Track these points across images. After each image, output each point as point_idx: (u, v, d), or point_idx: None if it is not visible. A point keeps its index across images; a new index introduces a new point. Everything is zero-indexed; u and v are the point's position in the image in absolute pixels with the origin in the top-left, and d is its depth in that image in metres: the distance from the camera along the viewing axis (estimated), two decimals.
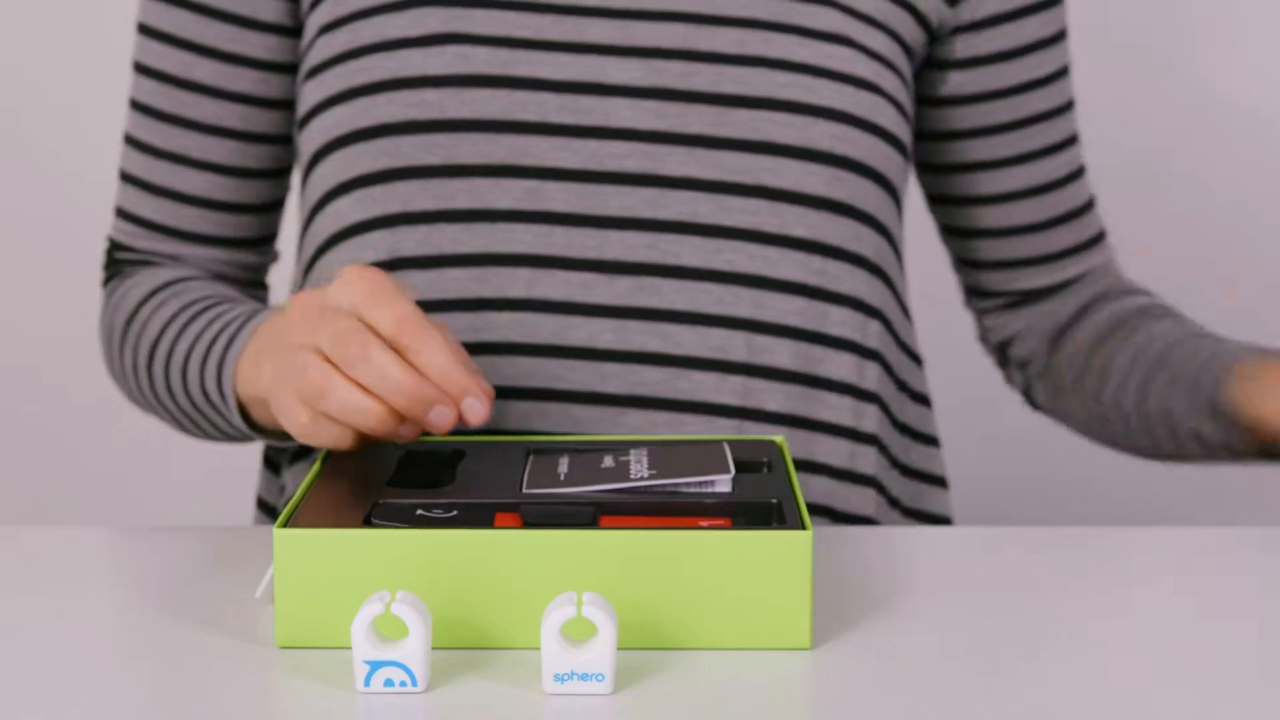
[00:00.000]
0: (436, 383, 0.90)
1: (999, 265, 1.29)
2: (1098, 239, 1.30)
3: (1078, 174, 1.28)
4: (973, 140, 1.25)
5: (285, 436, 1.09)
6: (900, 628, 0.86)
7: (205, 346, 1.10)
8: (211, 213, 1.21)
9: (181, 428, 1.18)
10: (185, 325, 1.13)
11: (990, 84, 1.23)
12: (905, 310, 1.21)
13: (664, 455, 0.94)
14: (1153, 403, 1.20)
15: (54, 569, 0.96)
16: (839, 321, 1.14)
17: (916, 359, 1.23)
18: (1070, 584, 0.95)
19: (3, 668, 0.81)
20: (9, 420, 1.89)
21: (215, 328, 1.10)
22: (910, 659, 0.82)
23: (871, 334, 1.15)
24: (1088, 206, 1.29)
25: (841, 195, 1.13)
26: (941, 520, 1.23)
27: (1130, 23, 1.74)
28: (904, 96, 1.18)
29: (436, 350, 0.90)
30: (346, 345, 0.90)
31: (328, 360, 0.91)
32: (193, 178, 1.20)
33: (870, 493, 1.15)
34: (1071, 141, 1.27)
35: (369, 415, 0.90)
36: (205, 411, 1.12)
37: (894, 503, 1.18)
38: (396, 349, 0.90)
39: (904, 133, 1.17)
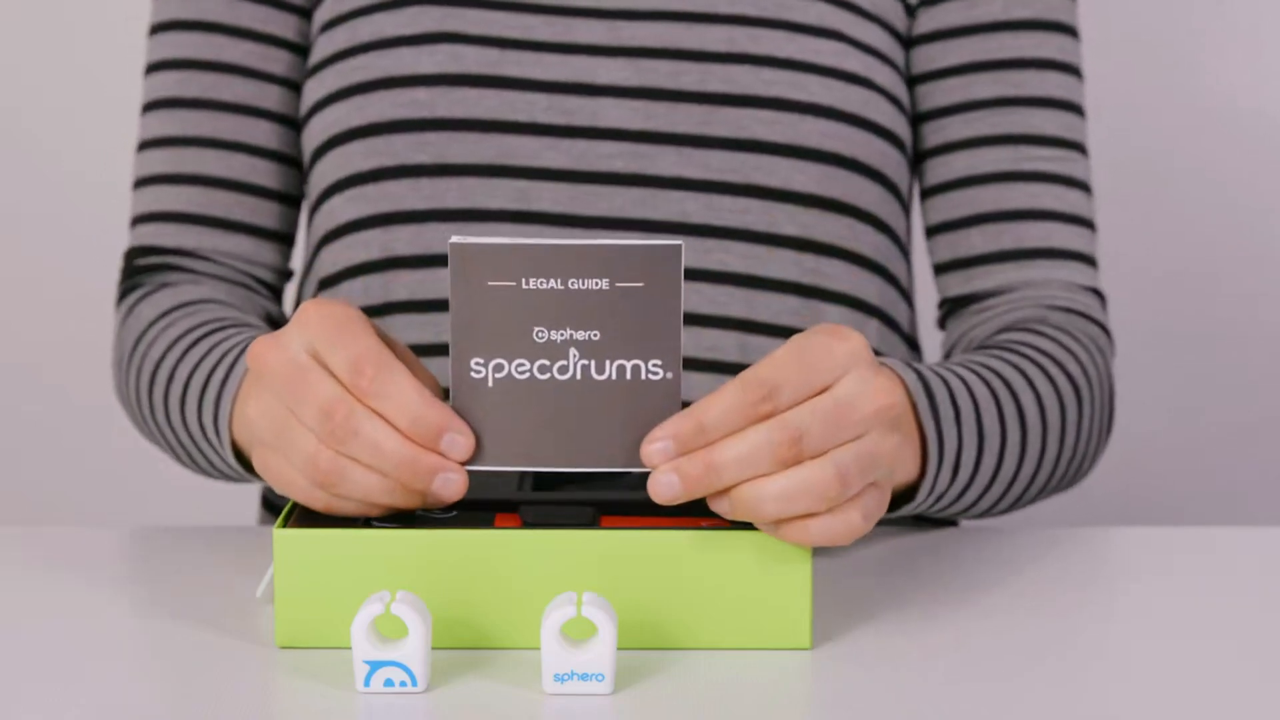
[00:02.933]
0: (409, 430, 0.82)
1: (936, 269, 1.21)
2: (1041, 254, 1.16)
3: (1026, 176, 1.16)
4: (917, 125, 1.19)
5: None
6: (900, 628, 0.86)
7: (204, 377, 1.04)
8: (243, 196, 1.18)
9: (180, 462, 1.13)
10: (188, 350, 1.08)
11: (929, 64, 1.17)
12: (911, 307, 1.21)
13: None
14: None
15: (54, 569, 0.96)
16: (834, 320, 1.13)
17: (921, 357, 1.22)
18: (1069, 584, 0.95)
19: (3, 667, 0.81)
20: (9, 420, 1.89)
21: (215, 356, 1.04)
22: (910, 659, 0.82)
23: (870, 332, 1.15)
24: (1035, 215, 1.16)
25: (834, 192, 1.13)
26: (945, 520, 1.23)
27: (1134, 21, 1.74)
28: (900, 90, 1.16)
29: (399, 391, 0.82)
30: (332, 419, 0.82)
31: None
32: (225, 160, 1.18)
33: None
34: (1024, 140, 1.16)
35: (390, 494, 0.83)
36: (202, 448, 1.06)
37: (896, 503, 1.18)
38: (357, 396, 0.82)
39: (900, 127, 1.16)
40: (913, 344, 1.20)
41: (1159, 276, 1.76)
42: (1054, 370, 1.09)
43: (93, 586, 0.94)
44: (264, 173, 1.19)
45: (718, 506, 0.81)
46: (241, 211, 1.19)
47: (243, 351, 1.02)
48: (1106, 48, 1.61)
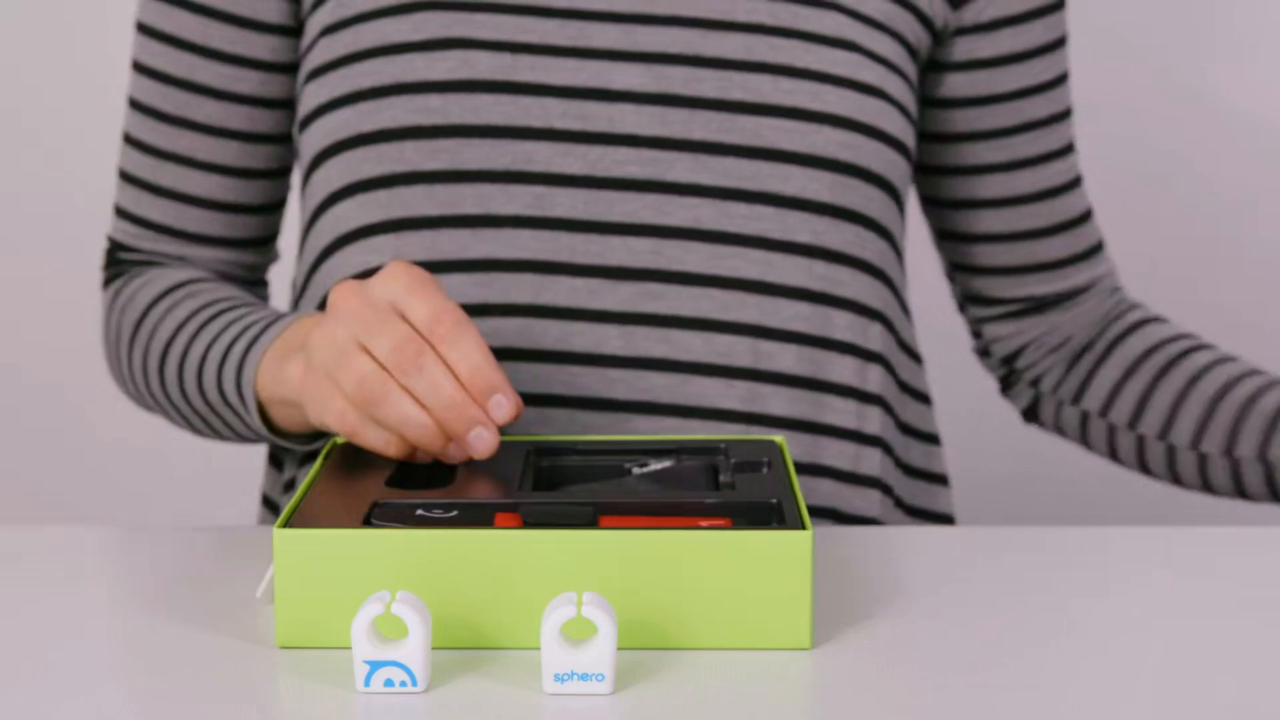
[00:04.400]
0: (467, 378, 0.90)
1: (1000, 271, 1.27)
2: (1097, 249, 1.29)
3: (1076, 182, 1.27)
4: (973, 144, 1.24)
5: (304, 439, 1.09)
6: (900, 628, 0.86)
7: (224, 348, 1.10)
8: (217, 213, 1.21)
9: (192, 428, 1.18)
10: (202, 326, 1.13)
11: (991, 88, 1.22)
12: (906, 310, 1.21)
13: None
14: (1245, 451, 1.19)
15: (54, 569, 0.96)
16: (842, 325, 1.14)
17: (917, 358, 1.23)
18: (1069, 584, 0.95)
19: (2, 667, 0.81)
20: (9, 420, 1.89)
21: (235, 330, 1.10)
22: (910, 659, 0.82)
23: (873, 336, 1.15)
24: (1087, 215, 1.28)
25: (845, 201, 1.13)
26: (944, 518, 1.23)
27: (1136, 25, 1.74)
28: (909, 100, 1.17)
29: (470, 346, 0.91)
30: (402, 352, 0.91)
31: (382, 366, 0.92)
32: (198, 179, 1.20)
33: (875, 494, 1.15)
34: (1070, 149, 1.26)
35: (422, 430, 0.91)
36: (222, 413, 1.12)
37: (898, 502, 1.18)
38: (430, 341, 0.91)
39: (908, 137, 1.17)
40: (906, 347, 1.21)
41: (1158, 277, 1.76)
42: None
43: (92, 586, 0.94)
44: (240, 190, 1.21)
45: None
46: (214, 226, 1.22)
47: (268, 326, 1.08)
48: (1105, 49, 1.61)
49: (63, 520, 1.88)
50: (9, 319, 1.87)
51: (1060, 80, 1.25)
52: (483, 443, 0.91)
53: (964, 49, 1.21)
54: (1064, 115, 1.25)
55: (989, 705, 0.77)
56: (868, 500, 1.15)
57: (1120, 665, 0.82)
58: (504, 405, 0.91)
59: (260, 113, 1.20)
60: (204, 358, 1.11)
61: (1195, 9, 1.75)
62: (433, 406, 0.91)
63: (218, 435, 1.17)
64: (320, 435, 1.08)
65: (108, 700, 0.77)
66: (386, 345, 0.91)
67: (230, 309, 1.14)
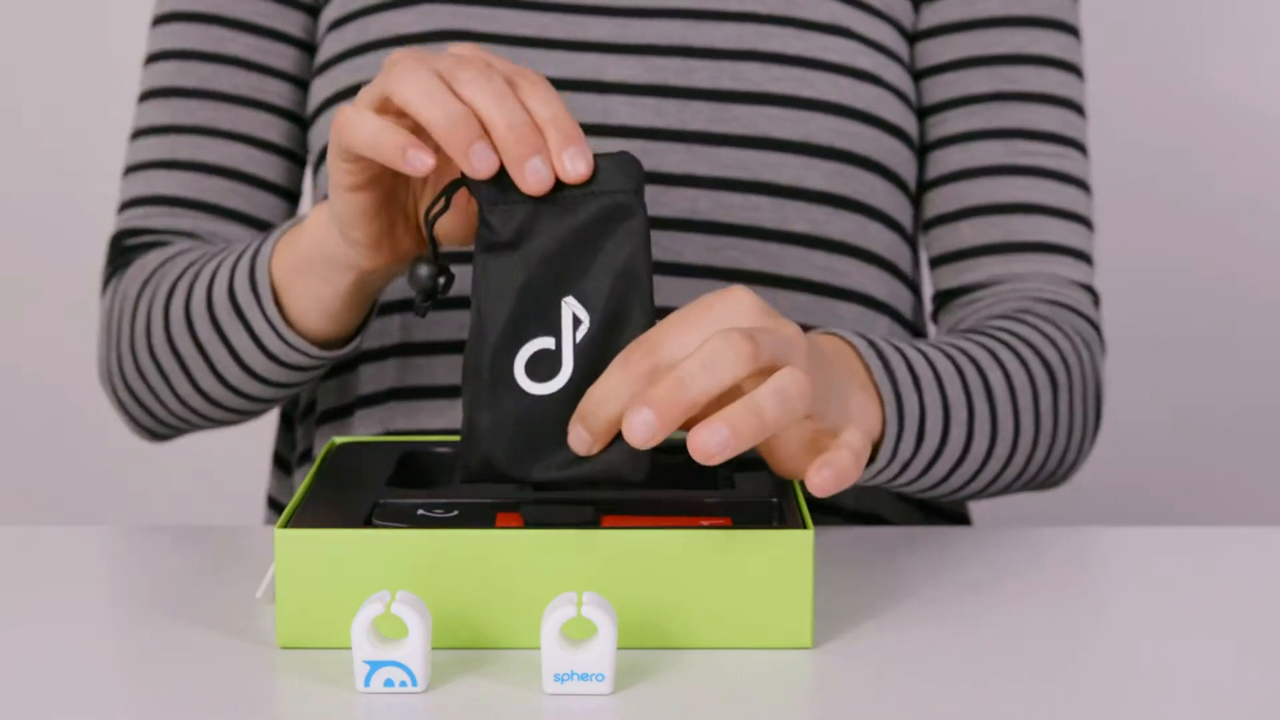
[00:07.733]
0: (545, 125, 0.83)
1: (932, 263, 1.19)
2: (1030, 247, 1.15)
3: (1019, 170, 1.15)
4: (921, 122, 1.18)
5: (328, 346, 1.02)
6: (901, 627, 0.86)
7: (234, 258, 1.03)
8: (240, 185, 1.17)
9: (199, 395, 1.08)
10: (212, 258, 1.06)
11: (932, 58, 1.17)
12: (921, 305, 1.21)
13: None
14: None
15: (54, 569, 0.96)
16: (846, 317, 1.13)
17: None
18: (1070, 584, 0.95)
19: (2, 667, 0.81)
20: (9, 420, 1.89)
21: (244, 244, 1.04)
22: (911, 659, 0.82)
23: (880, 328, 1.15)
24: (1026, 208, 1.15)
25: (845, 189, 1.13)
26: (958, 518, 1.23)
27: (1133, 21, 1.74)
28: (908, 87, 1.16)
29: (550, 96, 0.83)
30: (470, 63, 0.83)
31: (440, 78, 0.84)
32: (222, 148, 1.17)
33: (881, 490, 1.15)
34: (1022, 135, 1.15)
35: (501, 108, 0.82)
36: (231, 336, 1.03)
37: (909, 500, 1.18)
38: (512, 86, 0.84)
39: (909, 124, 1.16)
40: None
41: (1159, 276, 1.76)
42: (1026, 352, 1.07)
43: (93, 586, 0.94)
44: (263, 164, 1.18)
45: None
46: (238, 200, 1.18)
47: (273, 244, 1.00)
48: (1105, 48, 1.61)
49: (63, 520, 1.88)
50: (9, 319, 1.87)
51: (1019, 60, 1.16)
52: (537, 176, 0.82)
53: (922, 18, 1.18)
54: (1017, 97, 1.16)
55: (990, 706, 0.77)
56: (874, 496, 1.15)
57: (1121, 665, 0.82)
58: (579, 160, 0.82)
59: (294, 90, 1.18)
60: (213, 277, 1.04)
61: (1197, 8, 1.75)
62: (501, 123, 0.82)
63: (223, 398, 1.07)
64: (342, 342, 1.02)
65: (108, 700, 0.77)
66: (449, 59, 0.84)
67: (231, 250, 1.06)
